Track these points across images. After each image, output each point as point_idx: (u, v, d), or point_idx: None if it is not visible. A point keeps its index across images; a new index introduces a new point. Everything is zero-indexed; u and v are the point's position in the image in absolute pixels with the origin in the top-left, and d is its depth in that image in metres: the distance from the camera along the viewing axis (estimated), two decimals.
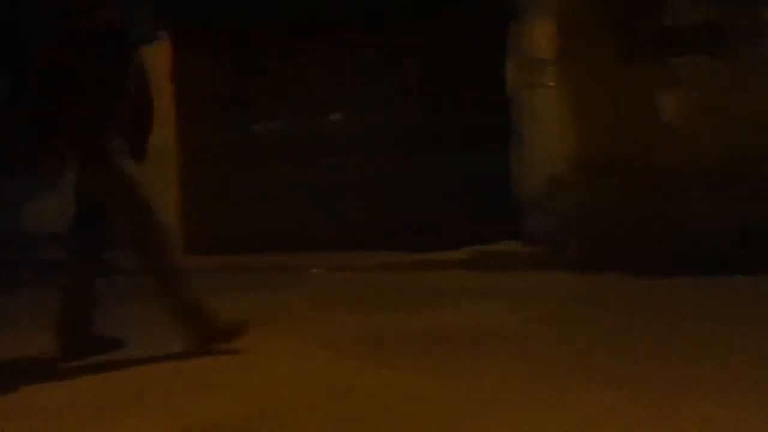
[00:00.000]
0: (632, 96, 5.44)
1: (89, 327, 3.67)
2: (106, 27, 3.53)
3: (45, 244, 6.20)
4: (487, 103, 6.07)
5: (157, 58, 6.54)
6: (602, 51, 5.52)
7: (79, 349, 3.61)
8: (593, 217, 5.48)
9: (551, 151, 5.69)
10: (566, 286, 4.98)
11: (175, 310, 3.59)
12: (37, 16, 3.69)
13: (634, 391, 2.73)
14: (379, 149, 6.73)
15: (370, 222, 6.46)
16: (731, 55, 5.15)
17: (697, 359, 3.12)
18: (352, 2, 6.54)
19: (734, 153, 5.13)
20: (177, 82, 6.98)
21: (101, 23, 3.51)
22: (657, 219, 5.26)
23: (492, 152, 6.03)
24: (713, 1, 5.24)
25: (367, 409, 2.70)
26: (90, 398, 3.04)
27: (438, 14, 6.42)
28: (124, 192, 3.56)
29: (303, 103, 7.04)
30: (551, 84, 5.70)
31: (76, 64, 3.43)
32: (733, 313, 3.97)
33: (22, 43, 3.79)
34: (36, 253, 6.43)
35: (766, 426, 2.40)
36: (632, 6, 5.47)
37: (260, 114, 7.27)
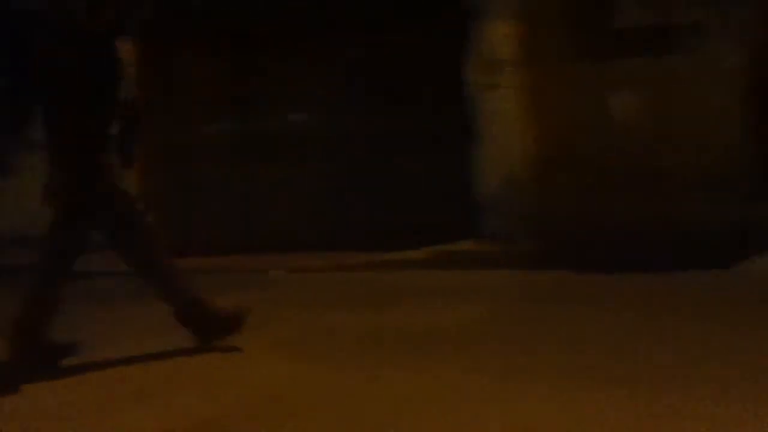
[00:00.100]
0: (587, 96, 5.54)
1: (46, 333, 3.51)
2: (107, 27, 3.52)
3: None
4: (446, 103, 6.11)
5: (123, 55, 6.61)
6: (559, 52, 5.61)
7: (33, 356, 3.45)
8: (550, 216, 5.55)
9: (509, 150, 5.76)
10: (522, 283, 5.01)
11: (174, 308, 3.60)
12: (38, 16, 3.68)
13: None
14: (338, 150, 6.73)
15: (330, 222, 6.45)
16: (679, 54, 5.24)
17: (652, 352, 3.23)
18: (313, 4, 6.53)
19: (684, 149, 5.22)
20: (137, 82, 6.95)
21: (103, 23, 3.50)
22: (612, 216, 5.28)
23: (451, 152, 6.06)
24: (662, 3, 5.33)
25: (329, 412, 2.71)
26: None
27: (399, 16, 6.43)
28: (115, 194, 3.55)
29: (264, 104, 7.03)
30: (510, 84, 5.77)
31: (76, 65, 3.42)
32: (683, 306, 4.05)
33: (22, 43, 3.78)
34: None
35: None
36: (587, 9, 5.55)
37: (220, 114, 7.24)
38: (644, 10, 5.40)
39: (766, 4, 5.23)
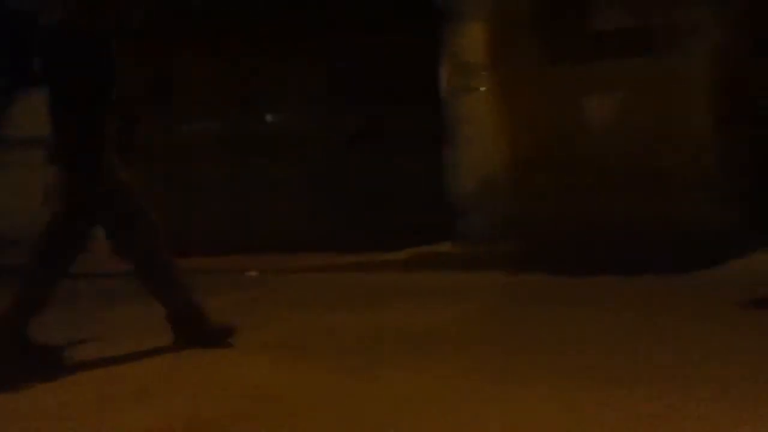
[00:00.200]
0: (562, 98, 5.59)
1: (27, 334, 3.50)
2: (107, 27, 3.52)
3: None
4: (421, 105, 6.11)
5: None
6: (533, 55, 5.65)
7: (13, 356, 3.45)
8: (527, 217, 5.59)
9: (484, 152, 5.81)
10: (498, 285, 5.02)
11: (167, 309, 3.60)
12: (38, 17, 3.68)
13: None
14: (314, 151, 6.72)
15: (306, 223, 6.44)
16: (654, 56, 5.29)
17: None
18: (287, 4, 6.53)
19: (659, 149, 5.27)
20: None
21: (103, 23, 3.50)
22: (589, 217, 5.32)
23: (427, 154, 6.07)
24: (636, 6, 5.38)
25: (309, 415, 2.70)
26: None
27: (373, 17, 6.44)
28: (116, 193, 3.55)
29: (237, 104, 7.02)
30: (484, 87, 5.81)
31: (77, 66, 3.42)
32: (663, 308, 4.05)
33: (23, 44, 3.78)
34: None
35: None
36: (561, 12, 5.59)
37: (194, 114, 7.22)
38: (619, 13, 5.45)
39: (738, 6, 5.26)
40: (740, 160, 5.32)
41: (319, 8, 6.52)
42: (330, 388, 3.01)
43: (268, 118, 7.06)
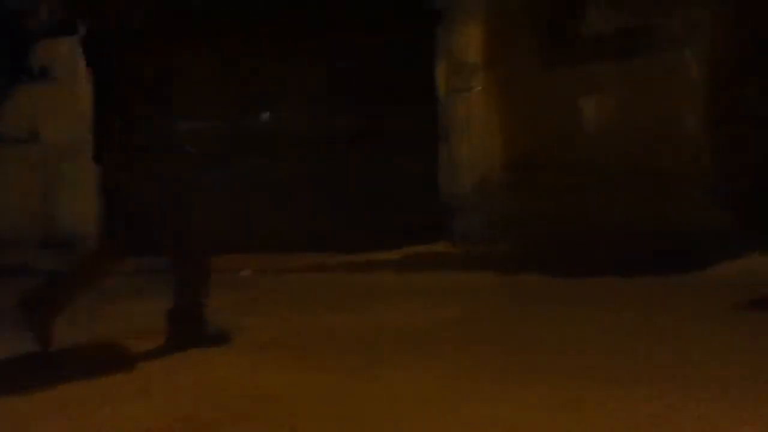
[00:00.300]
0: (559, 98, 5.57)
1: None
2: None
3: None
4: (418, 105, 6.09)
5: (77, 51, 6.56)
6: (528, 56, 5.64)
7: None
8: (520, 218, 5.58)
9: (479, 153, 5.79)
10: (496, 285, 5.01)
11: (178, 308, 3.60)
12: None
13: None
14: (310, 150, 6.69)
15: (301, 223, 6.43)
16: (651, 57, 5.31)
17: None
18: (282, 3, 6.52)
19: (657, 151, 5.28)
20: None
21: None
22: (585, 217, 5.34)
23: (424, 154, 6.06)
24: (629, 9, 5.39)
25: (302, 416, 2.70)
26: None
27: (368, 17, 6.44)
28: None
29: (231, 103, 6.99)
30: (479, 88, 5.80)
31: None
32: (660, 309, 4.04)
33: (18, 41, 3.78)
34: None
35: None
36: (555, 13, 5.61)
37: (185, 112, 7.17)
38: (616, 14, 5.46)
39: (728, 7, 5.28)
40: (738, 161, 5.34)
41: (317, 8, 6.52)
42: (329, 387, 3.01)
43: (265, 117, 7.05)
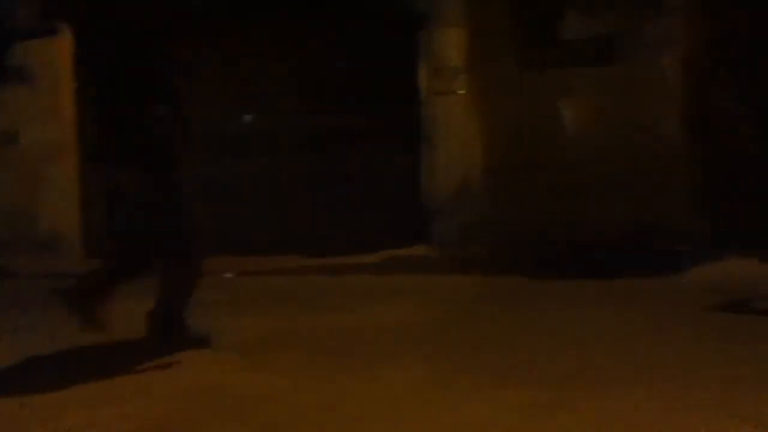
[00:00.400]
0: (536, 103, 5.67)
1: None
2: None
3: None
4: (398, 108, 6.14)
5: (57, 52, 6.51)
6: (508, 60, 5.73)
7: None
8: (500, 220, 5.64)
9: (459, 155, 5.87)
10: (473, 288, 5.05)
11: (162, 312, 3.60)
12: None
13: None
14: (291, 152, 6.69)
15: (281, 226, 6.42)
16: (625, 64, 5.42)
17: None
18: (265, 6, 6.53)
19: (631, 155, 5.37)
20: (78, 77, 6.73)
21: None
22: (561, 220, 5.39)
23: (403, 157, 6.11)
24: (607, 15, 5.49)
25: (285, 418, 2.71)
26: None
27: (352, 20, 6.46)
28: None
29: (213, 104, 6.99)
30: (461, 91, 5.86)
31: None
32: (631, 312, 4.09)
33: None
34: None
35: None
36: (534, 19, 5.70)
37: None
38: (592, 22, 5.54)
39: (700, 14, 5.38)
40: (714, 164, 5.41)
41: (299, 10, 6.52)
42: (310, 390, 3.02)
43: (245, 118, 7.05)
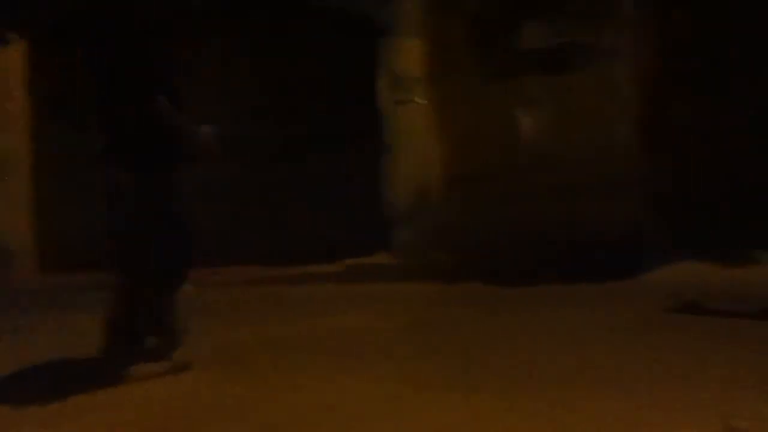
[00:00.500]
0: (494, 112, 5.75)
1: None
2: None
3: None
4: (359, 117, 6.20)
5: (9, 61, 6.45)
6: (467, 70, 5.81)
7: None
8: (460, 228, 5.70)
9: (420, 164, 5.92)
10: (433, 294, 5.11)
11: (111, 321, 3.54)
12: None
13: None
14: (253, 162, 6.65)
15: (241, 235, 6.39)
16: (580, 74, 5.54)
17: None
18: (227, 12, 6.53)
19: (587, 161, 5.47)
20: (31, 86, 6.72)
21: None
22: (520, 227, 5.49)
23: (364, 165, 6.16)
24: (563, 27, 5.61)
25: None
26: None
27: (313, 31, 6.50)
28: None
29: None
30: (421, 100, 5.93)
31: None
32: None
33: None
34: None
35: None
36: (493, 30, 5.78)
37: None
38: (548, 34, 5.64)
39: (652, 26, 5.55)
40: (668, 168, 5.55)
41: (258, 19, 6.51)
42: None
43: (203, 128, 6.98)
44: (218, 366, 3.49)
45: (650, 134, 5.53)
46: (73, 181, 6.69)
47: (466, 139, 5.81)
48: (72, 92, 6.77)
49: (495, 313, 4.35)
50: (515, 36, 5.68)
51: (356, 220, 6.18)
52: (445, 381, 3.10)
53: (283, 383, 3.17)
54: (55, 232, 6.58)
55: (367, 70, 6.03)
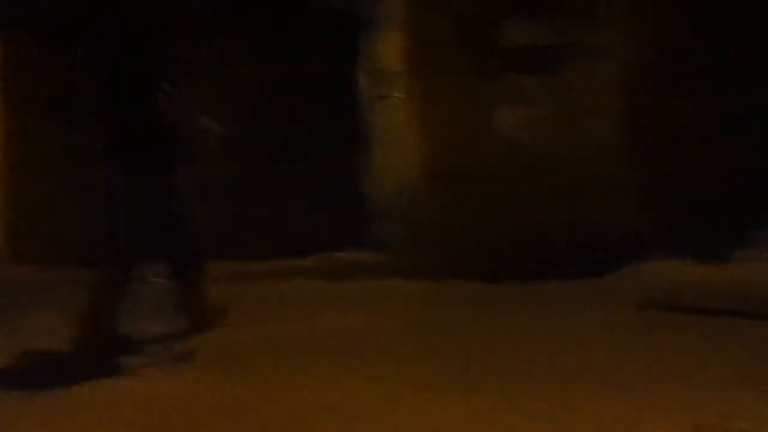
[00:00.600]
0: (477, 109, 5.71)
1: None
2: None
3: None
4: (340, 112, 6.18)
5: None
6: (450, 66, 5.76)
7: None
8: (441, 225, 5.67)
9: (401, 160, 5.87)
10: (412, 292, 5.09)
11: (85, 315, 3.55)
12: None
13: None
14: (231, 157, 6.64)
15: (218, 230, 6.38)
16: (565, 73, 5.52)
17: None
18: (207, 9, 6.51)
19: (573, 160, 5.46)
20: (5, 83, 6.79)
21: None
22: (502, 225, 5.47)
23: (344, 161, 6.12)
24: (545, 25, 5.59)
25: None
26: None
27: (292, 24, 6.48)
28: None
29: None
30: (402, 95, 5.88)
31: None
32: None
33: None
34: None
35: None
36: (476, 27, 5.75)
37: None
38: (535, 30, 5.61)
39: (635, 26, 5.53)
40: (655, 167, 5.54)
41: (240, 12, 6.48)
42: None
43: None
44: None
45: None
46: (43, 176, 6.71)
47: (447, 136, 5.75)
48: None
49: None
50: (500, 33, 5.64)
51: (335, 215, 6.15)
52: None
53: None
54: (26, 226, 6.66)
55: (348, 64, 5.99)
